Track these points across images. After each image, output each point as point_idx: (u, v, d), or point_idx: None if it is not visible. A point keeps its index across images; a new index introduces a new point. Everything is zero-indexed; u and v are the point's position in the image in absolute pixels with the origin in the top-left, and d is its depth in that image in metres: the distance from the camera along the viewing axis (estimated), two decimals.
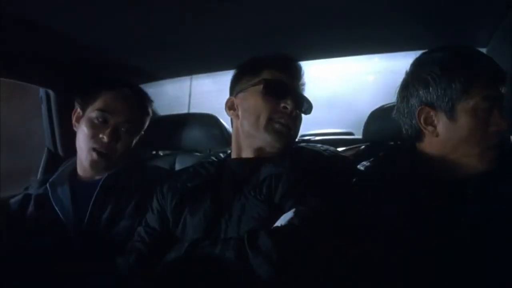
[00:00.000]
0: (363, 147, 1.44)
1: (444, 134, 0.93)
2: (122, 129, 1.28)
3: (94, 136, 1.24)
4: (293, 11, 1.26)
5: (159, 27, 1.34)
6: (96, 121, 1.26)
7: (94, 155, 1.24)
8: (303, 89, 1.15)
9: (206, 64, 1.85)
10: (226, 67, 1.73)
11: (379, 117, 1.35)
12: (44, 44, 1.39)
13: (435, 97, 0.92)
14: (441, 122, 0.93)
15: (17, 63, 1.47)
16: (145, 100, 1.39)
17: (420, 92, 0.95)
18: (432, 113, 0.94)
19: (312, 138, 2.01)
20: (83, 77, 1.68)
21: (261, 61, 1.12)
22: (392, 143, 1.38)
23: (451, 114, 0.91)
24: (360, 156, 1.31)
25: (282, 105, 1.05)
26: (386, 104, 1.32)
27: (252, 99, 1.08)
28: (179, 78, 2.30)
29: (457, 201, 0.89)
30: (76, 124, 1.32)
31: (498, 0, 1.22)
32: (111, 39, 1.42)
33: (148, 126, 1.77)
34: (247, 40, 1.42)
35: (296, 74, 1.13)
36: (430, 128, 0.95)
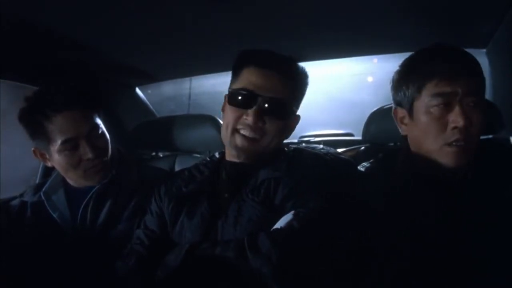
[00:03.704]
0: (362, 148, 1.44)
1: (410, 132, 0.99)
2: None
3: None
4: (293, 12, 1.26)
5: (159, 28, 1.34)
6: None
7: None
8: (285, 83, 1.01)
9: (205, 65, 1.85)
10: (225, 68, 1.73)
11: (379, 118, 1.35)
12: (43, 45, 1.39)
13: (400, 98, 0.98)
14: (407, 121, 0.99)
15: (16, 65, 1.47)
16: None
17: (393, 94, 1.01)
18: (403, 113, 0.99)
19: (311, 139, 2.01)
20: (83, 78, 1.68)
21: (243, 56, 1.06)
22: (392, 144, 1.38)
23: (411, 113, 0.96)
24: (360, 157, 1.31)
25: (244, 116, 1.00)
26: (386, 105, 1.32)
27: (226, 105, 1.05)
28: (178, 79, 2.31)
29: (450, 201, 0.90)
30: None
31: (497, 2, 1.22)
32: (111, 40, 1.43)
33: (147, 128, 1.78)
34: (247, 41, 1.42)
35: (277, 68, 1.00)
36: (403, 127, 1.01)
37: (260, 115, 0.99)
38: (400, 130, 1.02)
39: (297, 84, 1.06)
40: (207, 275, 0.83)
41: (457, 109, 0.88)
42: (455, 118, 0.88)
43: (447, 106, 0.89)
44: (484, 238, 0.84)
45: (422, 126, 0.93)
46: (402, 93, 0.97)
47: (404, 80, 0.96)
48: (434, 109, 0.90)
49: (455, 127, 0.88)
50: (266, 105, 0.99)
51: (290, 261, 0.80)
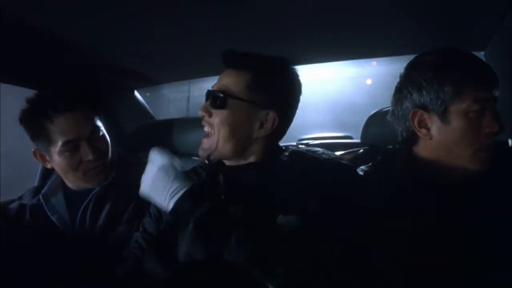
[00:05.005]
0: (361, 150, 1.44)
1: (437, 137, 0.94)
2: None
3: None
4: (292, 14, 1.26)
5: (158, 30, 1.34)
6: None
7: None
8: (237, 76, 1.04)
9: (204, 68, 1.85)
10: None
11: (378, 120, 1.35)
12: (43, 48, 1.39)
13: (428, 99, 0.93)
14: (434, 125, 0.94)
15: (16, 68, 1.47)
16: None
17: (414, 95, 0.96)
18: (425, 115, 0.95)
19: (310, 141, 2.01)
20: (82, 81, 1.68)
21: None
22: (390, 146, 1.37)
23: (444, 117, 0.92)
24: (358, 160, 1.31)
25: None
26: (385, 108, 1.32)
27: None
28: (177, 82, 2.31)
29: (454, 205, 0.90)
30: None
31: (496, 4, 1.23)
32: (110, 43, 1.42)
33: (146, 130, 1.77)
34: (247, 43, 1.42)
35: (234, 64, 1.08)
36: (423, 130, 0.96)
37: (206, 107, 1.02)
38: (418, 133, 0.97)
39: (256, 75, 1.02)
40: (205, 280, 0.83)
41: (491, 115, 0.89)
42: (492, 123, 0.89)
43: (481, 111, 0.90)
44: (486, 241, 0.84)
45: (458, 130, 0.91)
46: (433, 95, 0.92)
47: (437, 82, 0.92)
48: (473, 114, 0.90)
49: (490, 132, 0.89)
50: (210, 97, 1.03)
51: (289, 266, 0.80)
